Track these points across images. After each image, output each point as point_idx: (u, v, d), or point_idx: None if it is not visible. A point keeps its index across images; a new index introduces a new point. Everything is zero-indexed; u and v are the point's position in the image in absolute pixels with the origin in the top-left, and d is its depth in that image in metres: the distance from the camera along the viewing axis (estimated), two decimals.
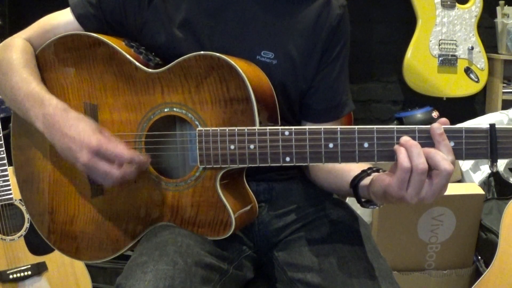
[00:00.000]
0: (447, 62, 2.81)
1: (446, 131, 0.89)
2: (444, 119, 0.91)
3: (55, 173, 1.18)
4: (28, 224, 2.00)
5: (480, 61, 2.85)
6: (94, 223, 1.16)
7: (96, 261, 1.19)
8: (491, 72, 2.90)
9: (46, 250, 2.01)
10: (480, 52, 2.84)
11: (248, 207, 1.11)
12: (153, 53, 1.15)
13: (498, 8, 2.87)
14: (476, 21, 2.83)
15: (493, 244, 1.85)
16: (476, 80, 2.86)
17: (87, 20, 1.18)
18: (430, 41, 2.81)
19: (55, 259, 2.02)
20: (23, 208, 2.00)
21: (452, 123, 0.91)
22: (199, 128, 1.04)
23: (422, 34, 2.82)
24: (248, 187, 1.12)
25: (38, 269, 2.00)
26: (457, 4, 2.82)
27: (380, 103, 3.16)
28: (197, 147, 1.03)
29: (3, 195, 1.98)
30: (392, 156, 0.91)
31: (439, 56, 2.81)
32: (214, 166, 1.03)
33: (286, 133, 0.97)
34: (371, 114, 3.18)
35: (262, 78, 1.10)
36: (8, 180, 1.99)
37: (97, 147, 0.99)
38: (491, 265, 1.71)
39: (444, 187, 0.88)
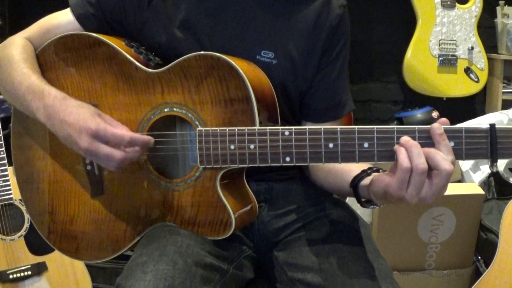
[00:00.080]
0: (447, 62, 2.81)
1: (446, 131, 0.89)
2: (444, 119, 0.91)
3: (55, 173, 1.18)
4: (28, 224, 2.00)
5: (480, 61, 2.85)
6: (94, 223, 1.16)
7: (96, 261, 1.19)
8: (491, 72, 2.90)
9: (46, 250, 2.00)
10: (480, 52, 2.84)
11: (248, 207, 1.11)
12: (153, 53, 1.15)
13: (498, 8, 2.87)
14: (476, 21, 2.83)
15: (493, 244, 1.85)
16: (476, 80, 2.86)
17: (87, 20, 1.18)
18: (430, 41, 2.81)
19: (55, 259, 2.02)
20: (23, 208, 2.00)
21: (452, 123, 0.91)
22: (199, 128, 1.04)
23: (422, 34, 2.82)
24: (248, 187, 1.12)
25: (38, 269, 2.00)
26: (457, 4, 2.82)
27: (380, 103, 3.16)
28: (197, 147, 1.03)
29: (3, 195, 1.98)
30: (392, 156, 0.91)
31: (439, 56, 2.81)
32: (214, 166, 1.03)
33: (286, 133, 0.97)
34: (371, 114, 3.17)
35: (262, 78, 1.10)
36: (8, 180, 1.98)
37: (96, 131, 0.98)
38: (491, 265, 1.71)
39: (444, 187, 0.88)
